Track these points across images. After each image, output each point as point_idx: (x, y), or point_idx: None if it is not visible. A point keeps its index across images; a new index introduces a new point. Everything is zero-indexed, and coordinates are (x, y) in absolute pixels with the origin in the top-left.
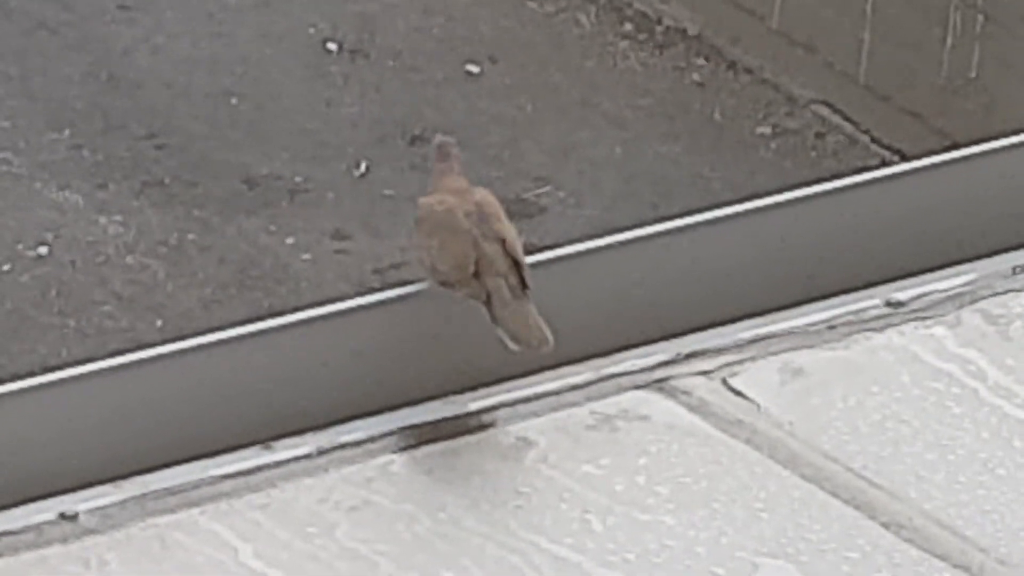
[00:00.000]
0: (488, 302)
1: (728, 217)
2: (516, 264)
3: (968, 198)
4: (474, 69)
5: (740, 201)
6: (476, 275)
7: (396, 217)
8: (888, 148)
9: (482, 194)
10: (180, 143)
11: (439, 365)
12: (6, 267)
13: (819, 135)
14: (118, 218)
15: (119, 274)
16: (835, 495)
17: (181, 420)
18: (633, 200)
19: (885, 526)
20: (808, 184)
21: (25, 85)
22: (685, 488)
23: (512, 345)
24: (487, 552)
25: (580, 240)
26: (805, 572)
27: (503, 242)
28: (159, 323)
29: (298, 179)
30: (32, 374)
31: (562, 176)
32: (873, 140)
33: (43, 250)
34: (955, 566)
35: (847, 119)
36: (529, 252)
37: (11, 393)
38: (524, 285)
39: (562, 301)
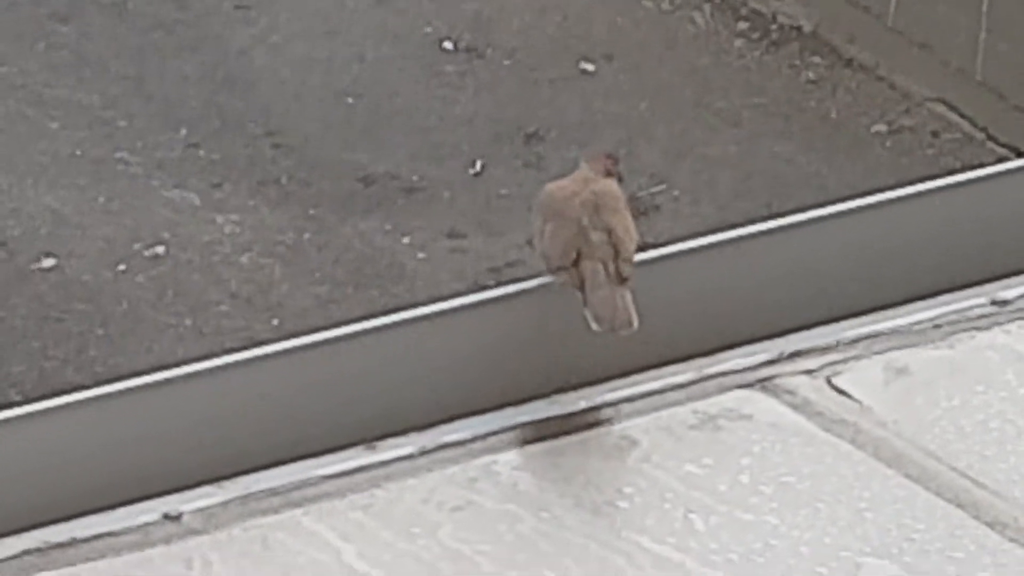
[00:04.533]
0: (582, 287)
1: (831, 216)
2: (618, 254)
3: None
4: (589, 68)
5: (844, 199)
6: (576, 262)
7: (511, 216)
8: (1005, 146)
9: (605, 184)
10: (296, 142)
11: (541, 364)
12: (122, 267)
13: (935, 133)
14: (234, 217)
15: (235, 273)
16: (939, 495)
17: (284, 420)
18: (748, 199)
19: (990, 525)
20: (913, 182)
21: (141, 85)
22: (789, 488)
23: (595, 325)
24: (590, 552)
25: (689, 238)
26: (909, 572)
27: (610, 232)
28: (275, 322)
29: (414, 178)
30: (148, 374)
31: (677, 175)
32: (989, 138)
33: (159, 249)
34: None
35: (963, 116)
36: (642, 250)
37: (116, 393)
38: (621, 277)
39: (665, 299)
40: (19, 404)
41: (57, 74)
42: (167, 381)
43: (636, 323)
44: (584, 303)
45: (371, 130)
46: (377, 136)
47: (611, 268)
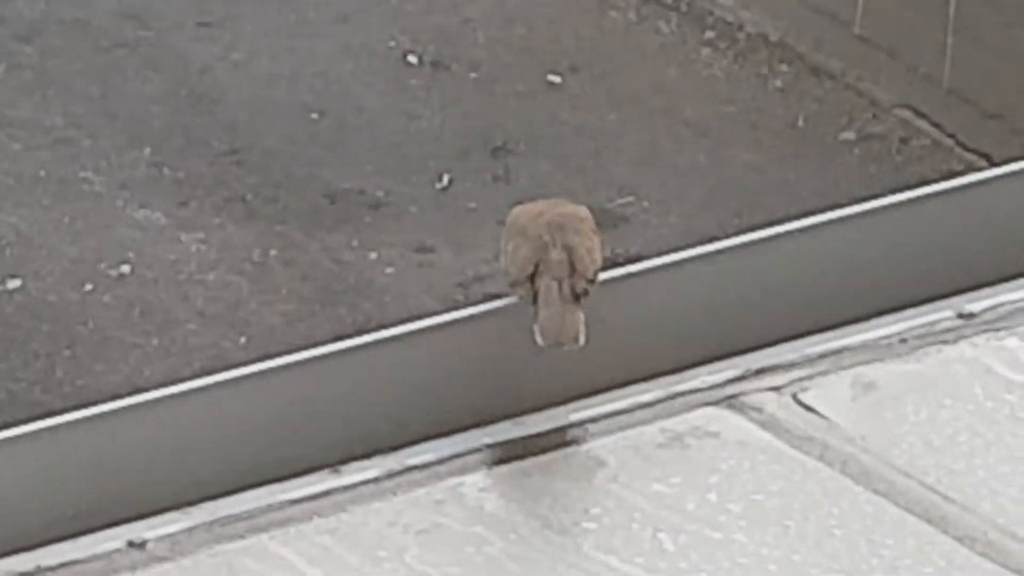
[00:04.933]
0: (535, 302)
1: (795, 231)
2: (575, 272)
3: None
4: (555, 79)
5: (809, 214)
6: (532, 278)
7: (479, 230)
8: (974, 151)
9: (574, 208)
10: (261, 159)
11: (506, 385)
12: (88, 287)
13: (903, 140)
14: (200, 235)
15: (202, 291)
16: (908, 510)
17: (249, 444)
18: (718, 208)
19: (959, 540)
20: (881, 192)
21: (104, 103)
22: (757, 505)
23: (540, 339)
24: (558, 573)
25: (663, 250)
26: None
27: (570, 251)
28: (243, 340)
29: (380, 193)
30: (116, 394)
31: (646, 186)
32: (958, 144)
33: (125, 269)
34: None
35: (932, 123)
36: (613, 265)
37: (79, 420)
38: (575, 294)
39: (631, 317)
40: None
41: (19, 94)
42: (130, 407)
43: (583, 340)
44: (534, 317)
45: (336, 146)
46: (342, 151)
47: (566, 286)
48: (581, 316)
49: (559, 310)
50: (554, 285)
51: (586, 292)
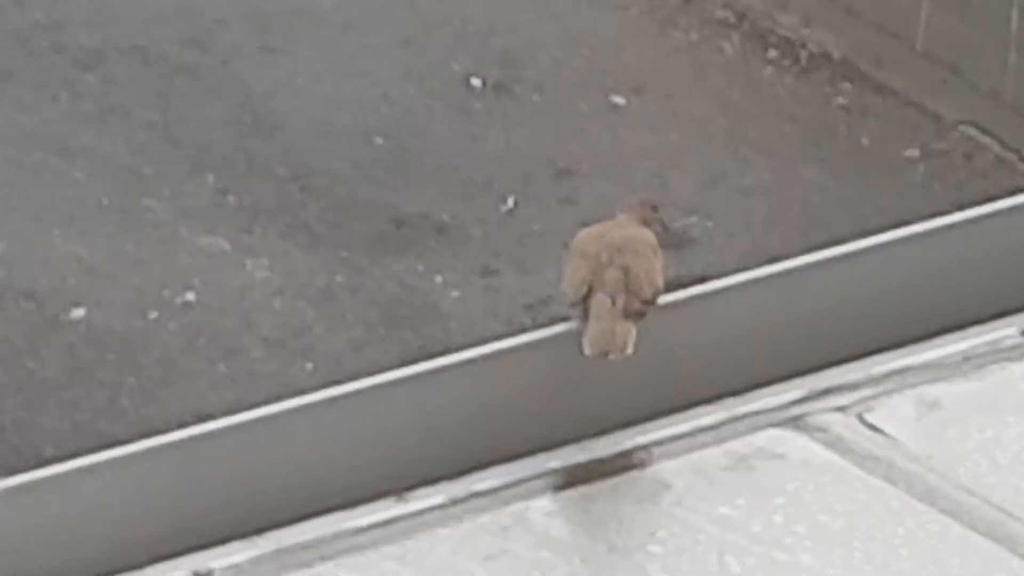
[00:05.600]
0: (587, 317)
1: (858, 252)
2: (629, 291)
3: None
4: (619, 101)
5: (872, 233)
6: (587, 296)
7: (544, 252)
8: None
9: (636, 230)
10: (325, 184)
11: (571, 409)
12: (153, 315)
13: (967, 156)
14: (264, 261)
15: (267, 318)
16: (974, 529)
17: (315, 472)
18: (783, 227)
19: None
20: (945, 210)
21: (167, 131)
22: (823, 526)
23: (586, 349)
24: None
25: (729, 270)
26: None
27: (627, 271)
28: (309, 366)
29: (445, 217)
30: (182, 422)
31: (711, 205)
32: (1021, 159)
33: (190, 296)
34: None
35: (995, 138)
36: (678, 286)
37: (145, 450)
38: (628, 312)
39: (694, 339)
40: (53, 458)
41: (81, 123)
42: (196, 437)
43: (631, 349)
44: (583, 331)
45: (400, 170)
46: (407, 176)
47: (619, 302)
48: (631, 328)
49: (608, 322)
50: (607, 300)
51: (640, 313)
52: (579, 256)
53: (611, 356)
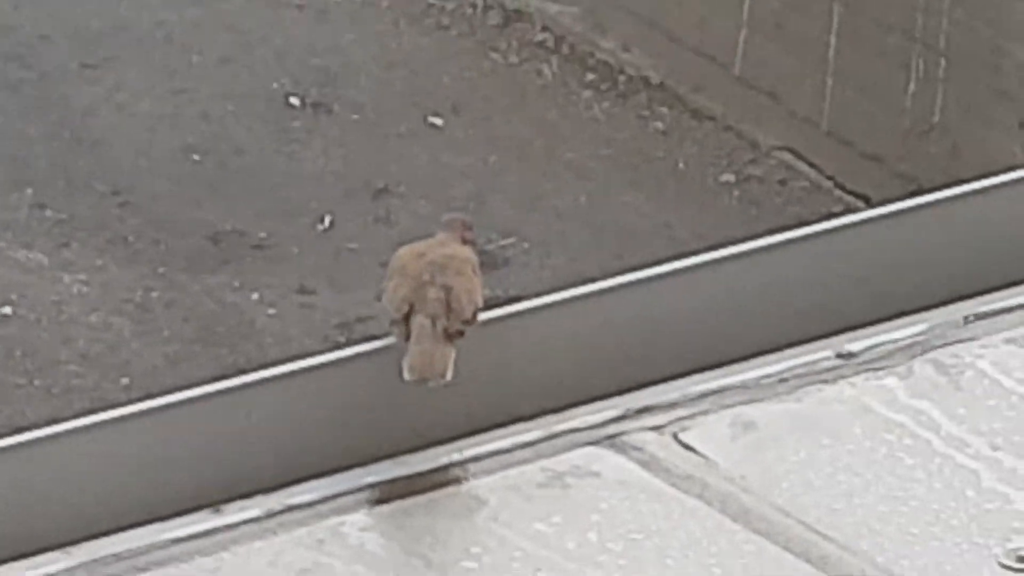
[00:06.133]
0: (408, 339)
1: (676, 271)
2: (451, 312)
3: (926, 245)
4: (437, 122)
5: (691, 253)
6: (408, 316)
7: (361, 271)
8: (852, 193)
9: (457, 249)
10: (143, 201)
11: (388, 424)
12: None
13: (782, 182)
14: (82, 276)
15: (84, 332)
16: (788, 549)
17: (130, 483)
18: (599, 250)
19: None
20: (762, 233)
21: None
22: (637, 544)
23: (407, 374)
24: None
25: (544, 292)
26: None
27: (448, 291)
28: (125, 381)
29: (262, 235)
30: None
31: (528, 227)
32: (837, 185)
33: (7, 310)
34: None
35: (811, 165)
36: (493, 306)
37: None
38: (448, 333)
39: (512, 356)
40: None
41: None
42: (11, 447)
43: (449, 375)
44: (405, 353)
45: (218, 187)
46: (225, 193)
47: (439, 324)
48: (451, 352)
49: (429, 347)
50: (427, 323)
51: (460, 333)
52: (399, 275)
53: (431, 383)
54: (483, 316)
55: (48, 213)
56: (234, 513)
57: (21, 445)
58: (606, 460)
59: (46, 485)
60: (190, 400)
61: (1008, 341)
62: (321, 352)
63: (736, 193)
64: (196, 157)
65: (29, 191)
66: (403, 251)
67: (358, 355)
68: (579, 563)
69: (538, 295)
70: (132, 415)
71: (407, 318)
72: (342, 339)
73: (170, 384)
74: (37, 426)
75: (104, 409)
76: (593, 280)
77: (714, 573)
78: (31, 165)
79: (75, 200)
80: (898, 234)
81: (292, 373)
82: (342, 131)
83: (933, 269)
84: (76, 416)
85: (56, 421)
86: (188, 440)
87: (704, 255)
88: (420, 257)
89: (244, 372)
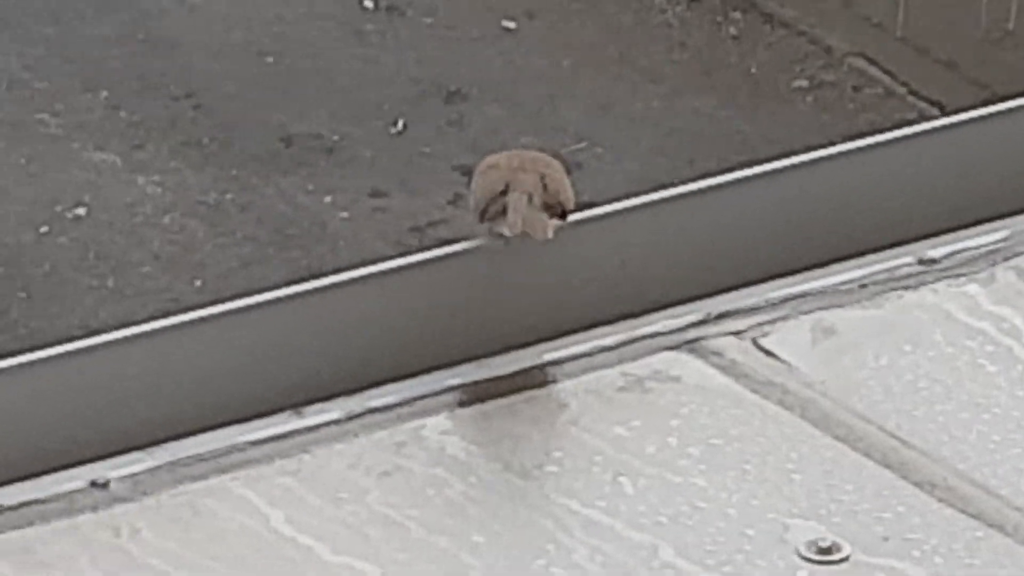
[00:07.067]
0: (503, 213)
1: (757, 176)
2: (547, 190)
3: (1003, 153)
4: (511, 25)
5: (770, 160)
6: (503, 194)
7: (433, 175)
8: (926, 100)
9: (544, 156)
10: (217, 102)
11: (470, 327)
12: (44, 229)
13: (856, 88)
14: (156, 178)
15: (157, 234)
16: (868, 455)
17: (212, 386)
18: (670, 155)
19: (918, 486)
20: (836, 139)
21: (61, 46)
22: (716, 450)
23: (506, 229)
24: (518, 516)
25: (617, 196)
26: (837, 533)
27: (543, 176)
28: (198, 283)
29: (335, 137)
30: (71, 336)
31: (600, 132)
32: (911, 92)
33: (81, 211)
34: (989, 525)
35: (884, 71)
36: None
37: (43, 360)
38: (548, 206)
39: (593, 261)
40: None
41: None
42: (93, 347)
43: (551, 234)
44: (499, 222)
45: (292, 90)
46: (298, 95)
47: (537, 199)
48: (551, 221)
49: (528, 212)
50: (524, 197)
51: (561, 214)
52: (490, 168)
53: (537, 237)
54: (561, 222)
55: (122, 114)
56: (315, 415)
57: (106, 345)
58: (686, 365)
59: (127, 387)
60: (273, 301)
61: None
62: (393, 257)
63: (809, 99)
64: (269, 59)
65: (103, 93)
66: (488, 157)
67: (442, 257)
68: (659, 467)
69: (610, 200)
70: (215, 316)
71: (502, 195)
72: (414, 243)
73: (243, 286)
74: (110, 328)
75: (177, 311)
76: (664, 185)
77: (793, 479)
78: (105, 67)
79: (148, 102)
80: (977, 141)
81: (376, 274)
82: (415, 34)
83: (1014, 176)
84: (148, 318)
85: (128, 323)
86: (269, 343)
87: (785, 160)
88: (511, 157)
89: (316, 275)
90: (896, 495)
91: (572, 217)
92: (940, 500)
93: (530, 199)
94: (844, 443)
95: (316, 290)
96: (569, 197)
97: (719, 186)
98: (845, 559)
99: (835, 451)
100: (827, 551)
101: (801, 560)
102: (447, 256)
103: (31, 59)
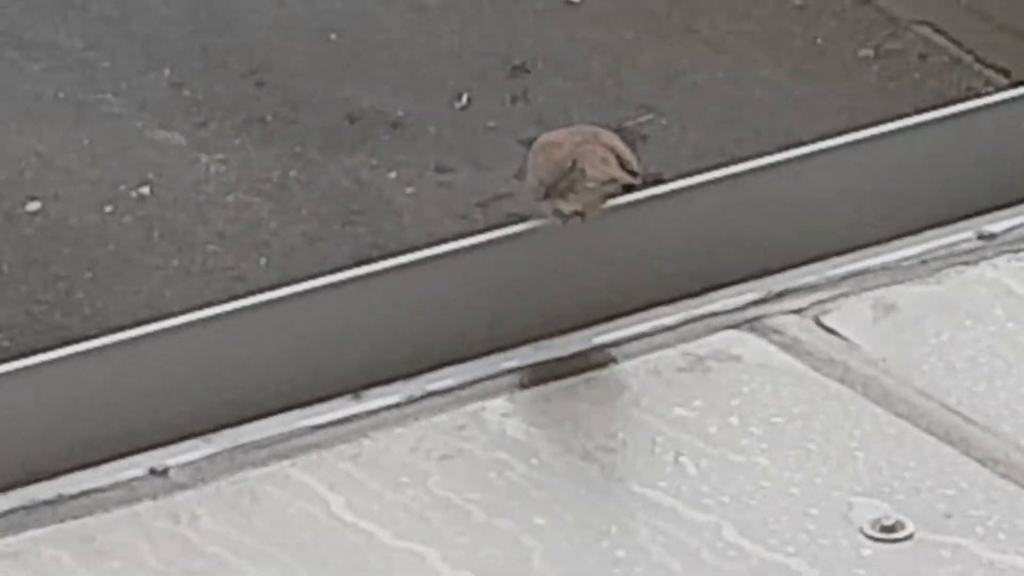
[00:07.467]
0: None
1: (816, 153)
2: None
3: None
4: None
5: (829, 136)
6: (572, 168)
7: (498, 149)
8: (992, 67)
9: (601, 130)
10: (280, 80)
11: (529, 309)
12: (108, 208)
13: (922, 56)
14: (220, 156)
15: (222, 213)
16: (930, 432)
17: (270, 371)
18: (736, 126)
19: (981, 462)
20: (901, 112)
21: (124, 25)
22: (778, 428)
23: (589, 183)
24: (580, 498)
25: (682, 168)
26: (900, 510)
27: (612, 148)
28: (263, 261)
29: (399, 113)
30: (137, 316)
31: (665, 103)
32: (977, 60)
33: (145, 190)
34: None
35: (950, 39)
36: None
37: (101, 348)
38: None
39: (652, 240)
40: (7, 351)
41: (38, 16)
42: (151, 334)
43: (628, 179)
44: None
45: (355, 66)
46: (361, 72)
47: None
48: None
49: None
50: (610, 155)
51: (628, 187)
52: (552, 146)
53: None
54: (623, 199)
55: (185, 93)
56: (374, 399)
57: (162, 331)
58: (747, 343)
59: (186, 373)
60: (330, 285)
61: None
62: (460, 231)
63: (875, 68)
64: (332, 36)
65: (166, 71)
66: (548, 134)
67: (500, 238)
68: (720, 447)
69: (676, 172)
70: (272, 300)
71: (570, 171)
72: (480, 218)
73: (308, 263)
74: (175, 307)
75: (243, 289)
76: (731, 157)
77: (856, 456)
78: (167, 45)
79: (212, 80)
80: None
81: (433, 257)
82: (478, 8)
83: None
84: (215, 297)
85: (195, 302)
86: (328, 325)
87: (844, 136)
88: (572, 134)
89: (382, 251)
90: (959, 471)
91: (630, 196)
92: (1002, 476)
93: (604, 163)
94: (906, 420)
95: (373, 274)
96: (636, 167)
97: (778, 163)
98: (909, 537)
99: (897, 428)
100: (891, 529)
101: (865, 539)
102: (506, 237)
103: (94, 38)
